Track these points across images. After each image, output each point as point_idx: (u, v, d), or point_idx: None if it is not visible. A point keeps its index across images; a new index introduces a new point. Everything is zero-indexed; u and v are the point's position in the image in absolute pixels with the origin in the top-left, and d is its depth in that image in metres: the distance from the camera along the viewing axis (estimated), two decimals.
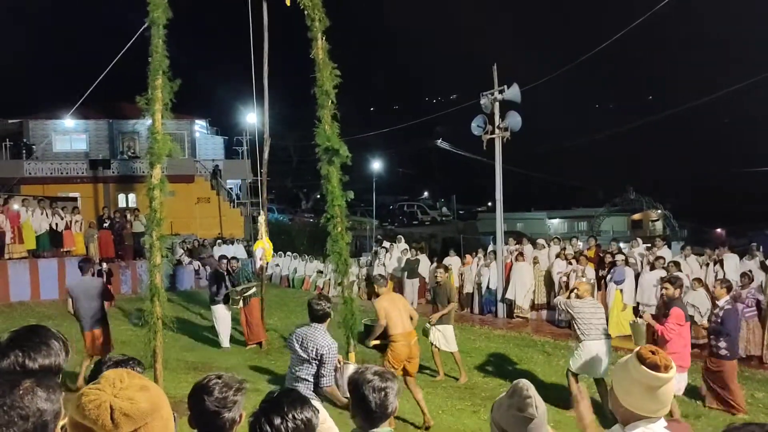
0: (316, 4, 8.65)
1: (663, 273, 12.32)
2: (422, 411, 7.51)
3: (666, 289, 7.71)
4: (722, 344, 7.87)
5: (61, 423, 1.56)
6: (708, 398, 8.25)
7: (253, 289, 12.25)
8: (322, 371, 5.00)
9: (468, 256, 17.43)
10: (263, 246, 11.76)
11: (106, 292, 9.10)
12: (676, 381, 6.35)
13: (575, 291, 8.27)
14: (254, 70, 11.98)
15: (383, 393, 2.46)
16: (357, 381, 2.51)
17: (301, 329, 5.23)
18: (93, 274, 8.96)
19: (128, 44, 8.38)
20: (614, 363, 10.04)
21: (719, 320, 7.91)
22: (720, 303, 8.15)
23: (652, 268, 12.54)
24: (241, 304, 12.15)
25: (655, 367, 2.19)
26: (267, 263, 12.56)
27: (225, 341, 12.26)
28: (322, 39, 8.78)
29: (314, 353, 5.02)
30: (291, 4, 8.86)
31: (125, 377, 1.51)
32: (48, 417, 1.51)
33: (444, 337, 9.83)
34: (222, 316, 12.17)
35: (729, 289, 8.35)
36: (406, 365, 7.64)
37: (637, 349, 2.28)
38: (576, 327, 7.96)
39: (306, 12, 8.73)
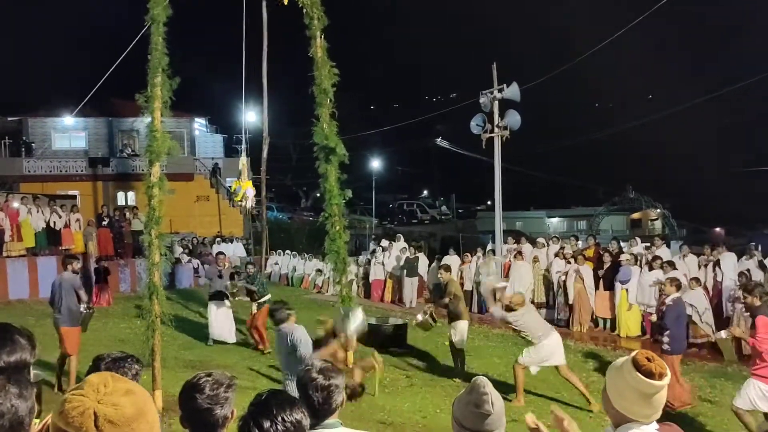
0: (314, 3, 8.63)
1: (662, 273, 12.33)
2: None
3: (745, 297, 7.60)
4: (665, 339, 8.03)
5: (38, 424, 1.54)
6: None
7: (268, 296, 12.21)
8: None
9: (468, 255, 17.43)
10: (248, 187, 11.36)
11: (81, 291, 8.84)
12: None
13: (509, 304, 8.64)
14: (245, 65, 11.89)
15: (326, 391, 2.55)
16: (302, 379, 2.59)
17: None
18: (75, 272, 8.87)
19: (131, 45, 8.36)
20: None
21: (661, 316, 8.16)
22: (667, 300, 8.27)
23: (651, 268, 12.54)
24: (254, 309, 12.15)
25: (650, 375, 2.19)
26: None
27: (211, 337, 12.41)
28: (320, 37, 8.76)
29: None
30: (288, 2, 8.84)
31: (109, 381, 1.46)
32: (23, 413, 1.49)
33: (455, 332, 10.03)
34: (212, 311, 12.40)
35: (678, 287, 8.45)
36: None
37: (633, 354, 2.28)
38: (525, 335, 8.44)
39: (305, 10, 8.71)
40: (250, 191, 11.35)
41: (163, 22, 7.47)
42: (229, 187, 33.22)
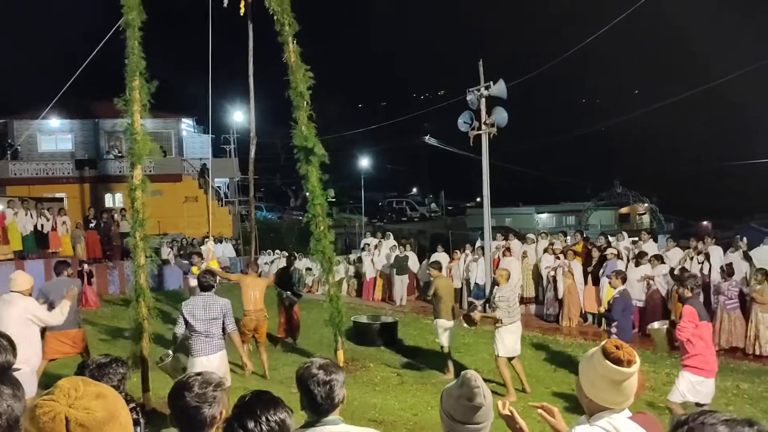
0: (285, 9, 8.68)
1: (649, 268, 12.41)
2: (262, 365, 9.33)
3: (677, 289, 7.90)
4: (613, 330, 8.29)
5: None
6: None
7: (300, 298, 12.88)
8: (227, 321, 6.72)
9: (456, 253, 17.48)
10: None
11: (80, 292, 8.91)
12: (703, 387, 6.44)
13: (496, 277, 9.36)
14: (207, 63, 11.88)
15: (328, 386, 2.55)
16: (302, 375, 2.59)
17: (195, 301, 6.79)
18: (69, 275, 8.83)
19: (98, 46, 8.39)
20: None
21: (610, 308, 8.40)
22: (614, 292, 8.52)
23: (637, 263, 12.63)
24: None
25: (618, 362, 2.24)
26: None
27: None
28: (293, 43, 8.84)
29: (219, 312, 6.67)
30: (264, 7, 8.87)
31: (80, 385, 1.47)
32: (18, 413, 1.51)
33: (437, 330, 10.22)
34: None
35: (624, 280, 8.68)
36: (255, 334, 9.83)
37: (602, 343, 2.33)
38: (501, 313, 8.86)
39: (275, 17, 8.75)
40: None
41: (138, 26, 7.47)
42: (218, 187, 33.15)
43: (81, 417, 1.41)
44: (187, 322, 6.68)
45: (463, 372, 2.47)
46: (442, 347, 10.11)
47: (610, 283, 9.08)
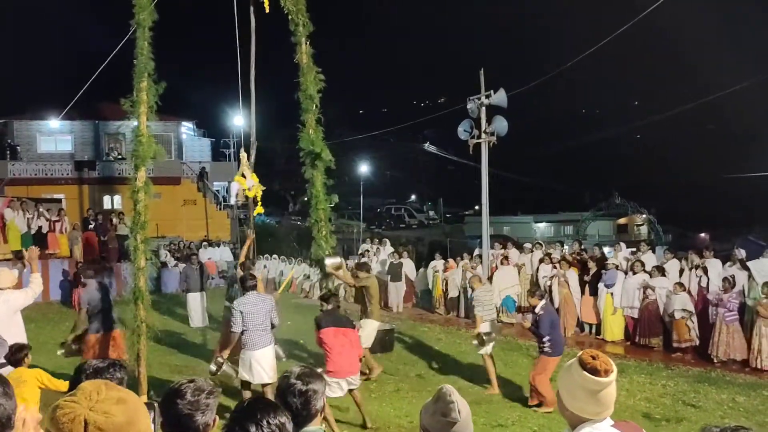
0: (300, 9, 8.64)
1: (645, 277, 12.44)
2: None
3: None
4: (546, 343, 8.51)
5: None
6: (531, 396, 8.72)
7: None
8: (273, 316, 7.44)
9: (451, 261, 17.51)
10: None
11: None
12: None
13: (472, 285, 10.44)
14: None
15: (304, 397, 2.57)
16: (281, 386, 2.62)
17: (248, 299, 7.35)
18: (92, 276, 8.94)
19: (116, 49, 8.36)
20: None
21: (536, 325, 8.59)
22: (536, 309, 8.72)
23: (634, 272, 12.68)
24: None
25: (595, 372, 2.24)
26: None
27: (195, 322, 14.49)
28: (306, 44, 8.77)
29: (270, 307, 7.42)
30: (275, 7, 8.83)
31: (102, 389, 1.48)
32: (10, 410, 1.53)
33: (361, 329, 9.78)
34: (190, 300, 14.71)
35: (541, 297, 8.95)
36: None
37: (579, 354, 2.34)
38: (476, 312, 9.77)
39: (290, 17, 8.72)
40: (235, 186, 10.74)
41: (148, 27, 7.46)
42: (217, 191, 33.08)
43: (100, 420, 1.42)
44: (244, 319, 7.21)
45: (438, 387, 2.47)
46: (366, 348, 9.68)
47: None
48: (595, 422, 2.29)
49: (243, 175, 9.18)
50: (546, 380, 8.47)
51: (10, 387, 1.59)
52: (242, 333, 7.28)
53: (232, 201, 11.52)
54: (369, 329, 10.07)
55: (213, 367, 7.60)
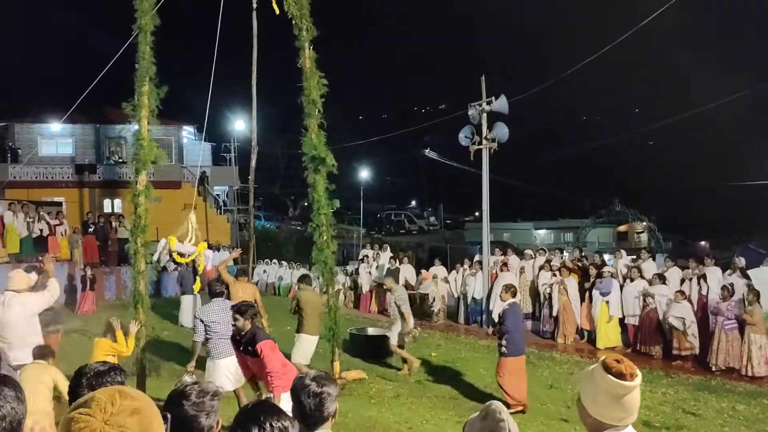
0: (303, 14, 8.66)
1: (645, 284, 12.43)
2: None
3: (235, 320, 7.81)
4: (504, 342, 8.48)
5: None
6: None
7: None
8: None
9: (424, 272, 17.77)
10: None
11: None
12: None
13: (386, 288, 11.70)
14: (213, 68, 11.81)
15: (318, 398, 2.55)
16: (296, 386, 2.61)
17: (212, 307, 7.17)
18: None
19: (118, 53, 8.39)
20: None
21: (501, 321, 8.56)
22: (505, 305, 8.69)
23: (632, 280, 12.67)
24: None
25: (621, 376, 2.21)
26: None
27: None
28: (309, 48, 8.79)
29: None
30: (278, 12, 8.86)
31: (117, 399, 1.45)
32: (21, 415, 1.53)
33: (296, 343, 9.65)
34: (184, 301, 15.30)
35: (514, 294, 8.89)
36: None
37: (602, 358, 2.31)
38: (401, 312, 10.73)
39: (294, 21, 8.74)
40: (208, 253, 11.18)
41: (150, 31, 7.48)
42: (217, 195, 33.11)
43: None
44: (206, 328, 6.97)
45: (487, 403, 2.38)
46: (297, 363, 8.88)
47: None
48: (618, 429, 2.26)
49: (180, 239, 9.29)
50: (510, 380, 8.45)
51: (22, 392, 1.60)
52: (206, 342, 7.07)
53: (155, 257, 10.20)
54: (304, 344, 9.59)
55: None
